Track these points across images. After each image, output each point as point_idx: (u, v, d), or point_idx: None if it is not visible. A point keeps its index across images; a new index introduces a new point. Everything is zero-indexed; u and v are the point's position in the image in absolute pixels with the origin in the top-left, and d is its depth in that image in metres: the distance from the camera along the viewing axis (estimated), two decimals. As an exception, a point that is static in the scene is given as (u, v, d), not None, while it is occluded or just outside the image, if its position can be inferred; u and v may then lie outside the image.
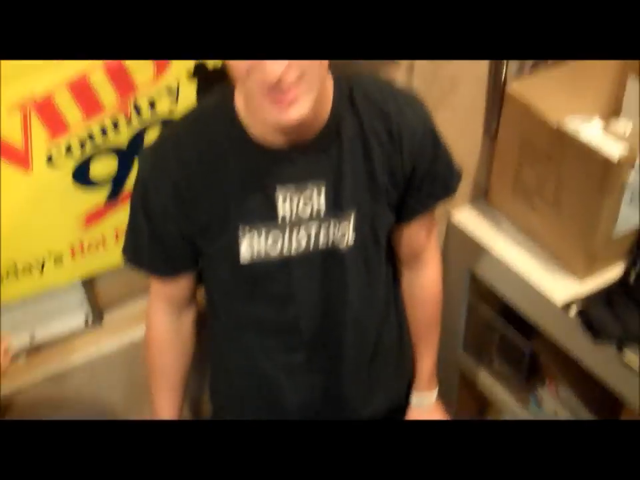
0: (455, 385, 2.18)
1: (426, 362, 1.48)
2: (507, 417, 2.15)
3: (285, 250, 1.18)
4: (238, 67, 0.98)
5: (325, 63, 1.05)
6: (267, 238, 1.17)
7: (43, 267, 1.40)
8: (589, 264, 1.66)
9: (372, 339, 1.35)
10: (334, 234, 1.19)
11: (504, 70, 1.67)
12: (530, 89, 1.65)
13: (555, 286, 1.68)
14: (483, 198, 1.92)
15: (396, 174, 1.20)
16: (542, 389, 1.93)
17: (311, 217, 1.17)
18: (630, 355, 1.51)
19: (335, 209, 1.17)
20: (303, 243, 1.19)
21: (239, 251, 1.18)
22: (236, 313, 1.30)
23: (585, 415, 1.81)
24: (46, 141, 1.25)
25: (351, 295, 1.25)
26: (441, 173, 1.28)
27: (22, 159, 1.25)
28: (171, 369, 1.41)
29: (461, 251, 1.90)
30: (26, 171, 1.26)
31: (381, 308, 1.34)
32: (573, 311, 1.60)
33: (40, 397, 1.52)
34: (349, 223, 1.19)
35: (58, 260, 1.41)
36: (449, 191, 1.32)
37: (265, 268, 1.20)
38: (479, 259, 1.85)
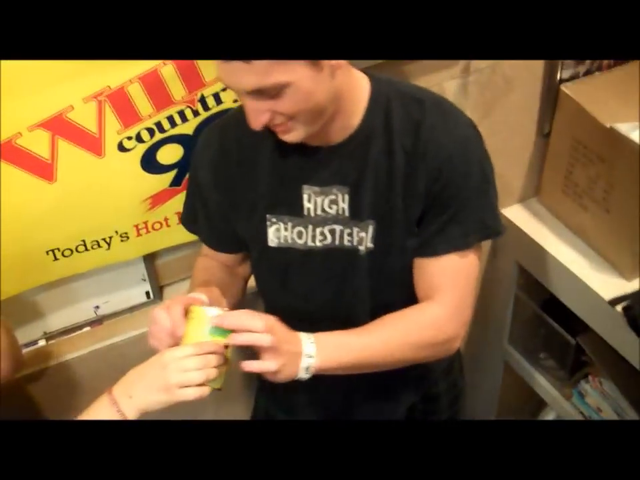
0: (500, 376, 2.20)
1: (349, 334, 1.17)
2: (550, 409, 2.18)
3: (310, 242, 1.23)
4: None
5: (323, 102, 1.05)
6: (292, 229, 1.22)
7: (109, 243, 1.48)
8: (636, 264, 1.67)
9: None
10: (357, 236, 1.20)
11: (558, 71, 1.69)
12: (584, 92, 1.66)
13: (602, 283, 1.69)
14: (533, 196, 1.94)
15: (416, 191, 1.16)
16: (586, 383, 1.94)
17: (336, 217, 1.20)
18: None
19: (357, 215, 1.19)
20: (328, 238, 1.22)
21: (266, 235, 1.24)
22: (268, 298, 1.38)
23: (627, 409, 1.82)
24: (118, 130, 1.32)
25: (366, 296, 1.26)
26: (463, 213, 1.17)
27: (96, 145, 1.32)
28: (212, 283, 1.30)
29: (509, 245, 1.92)
30: (98, 156, 1.34)
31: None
32: (619, 308, 1.62)
33: (101, 366, 1.58)
34: (367, 232, 1.20)
35: (123, 238, 1.49)
36: (467, 239, 1.18)
37: (290, 254, 1.24)
38: (527, 253, 1.87)
